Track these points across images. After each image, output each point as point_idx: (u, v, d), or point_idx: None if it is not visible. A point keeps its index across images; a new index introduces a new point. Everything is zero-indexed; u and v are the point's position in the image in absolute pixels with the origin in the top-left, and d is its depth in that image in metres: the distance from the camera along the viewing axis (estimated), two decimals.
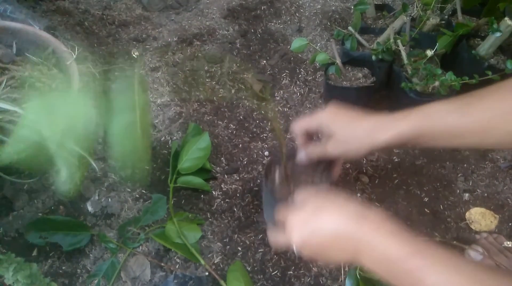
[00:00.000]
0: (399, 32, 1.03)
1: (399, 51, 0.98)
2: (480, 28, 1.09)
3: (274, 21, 1.37)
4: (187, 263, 0.83)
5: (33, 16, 1.15)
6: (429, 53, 0.96)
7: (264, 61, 1.24)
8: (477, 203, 0.93)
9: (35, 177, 0.89)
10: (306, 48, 1.03)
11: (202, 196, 0.93)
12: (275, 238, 0.55)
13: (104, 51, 1.21)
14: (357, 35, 1.04)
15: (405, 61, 0.97)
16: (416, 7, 1.11)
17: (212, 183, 0.95)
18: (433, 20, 1.06)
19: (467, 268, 0.41)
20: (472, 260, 0.82)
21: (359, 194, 0.93)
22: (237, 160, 0.99)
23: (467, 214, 0.91)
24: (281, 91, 1.15)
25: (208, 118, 1.07)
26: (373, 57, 1.00)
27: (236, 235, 0.87)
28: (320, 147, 0.63)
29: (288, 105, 1.12)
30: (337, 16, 1.37)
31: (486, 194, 0.95)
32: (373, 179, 0.96)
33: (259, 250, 0.84)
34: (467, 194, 0.95)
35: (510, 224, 0.90)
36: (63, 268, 0.81)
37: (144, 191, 0.93)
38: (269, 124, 1.07)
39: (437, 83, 0.91)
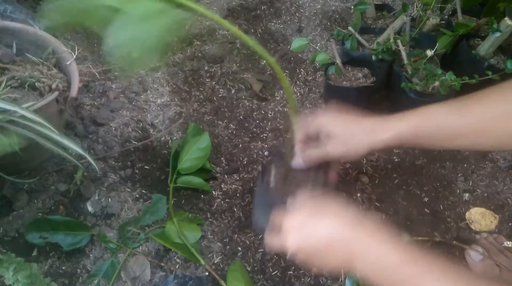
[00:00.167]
0: (399, 32, 1.03)
1: (399, 51, 0.98)
2: (480, 28, 1.09)
3: (274, 21, 1.37)
4: (187, 263, 0.83)
5: (33, 16, 1.15)
6: (429, 53, 0.96)
7: (264, 61, 1.24)
8: (477, 203, 0.93)
9: (35, 177, 0.89)
10: (306, 48, 1.03)
11: (202, 196, 0.93)
12: (271, 241, 0.55)
13: (104, 51, 1.21)
14: (357, 35, 1.04)
15: (405, 61, 0.97)
16: (416, 7, 1.11)
17: (212, 183, 0.95)
18: (433, 20, 1.06)
19: (463, 276, 0.41)
20: (472, 260, 0.83)
21: (359, 194, 0.93)
22: (237, 160, 0.99)
23: (467, 214, 0.91)
24: (281, 91, 1.15)
25: (208, 118, 1.07)
26: (373, 57, 1.00)
27: (236, 235, 0.87)
28: (319, 149, 0.63)
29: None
30: (337, 16, 1.37)
31: (486, 194, 0.95)
32: (373, 179, 0.96)
33: (259, 250, 0.84)
34: (467, 194, 0.95)
35: (510, 224, 0.90)
36: (63, 268, 0.81)
37: (144, 191, 0.93)
38: (269, 124, 1.07)
39: (437, 83, 0.91)
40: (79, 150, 0.75)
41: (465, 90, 0.93)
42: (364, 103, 1.04)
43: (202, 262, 0.81)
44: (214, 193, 0.93)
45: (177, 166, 0.91)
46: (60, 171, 0.92)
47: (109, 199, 0.90)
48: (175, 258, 0.83)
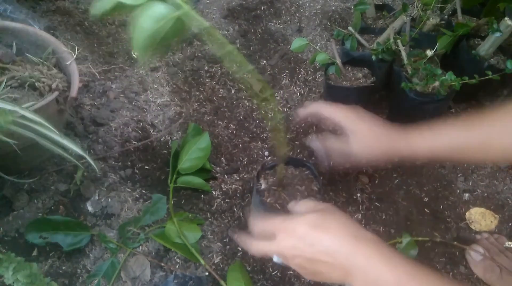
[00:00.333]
0: (399, 32, 1.03)
1: (399, 51, 0.98)
2: (480, 28, 1.09)
3: (274, 21, 1.37)
4: (187, 263, 0.83)
5: (33, 16, 1.15)
6: (429, 53, 0.96)
7: (264, 61, 1.24)
8: (477, 203, 0.93)
9: (35, 177, 0.89)
10: (306, 48, 1.03)
11: (202, 196, 0.93)
12: (258, 245, 0.54)
13: (104, 51, 1.21)
14: (357, 35, 1.04)
15: (405, 61, 0.97)
16: (416, 7, 1.11)
17: (212, 183, 0.95)
18: (433, 20, 1.06)
19: None
20: (473, 260, 0.83)
21: (359, 194, 0.93)
22: (237, 160, 0.99)
23: (467, 214, 0.91)
24: (281, 91, 1.15)
25: (208, 118, 1.07)
26: (373, 57, 1.00)
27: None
28: (341, 143, 0.65)
29: (288, 105, 1.12)
30: (337, 16, 1.37)
31: (486, 194, 0.95)
32: (373, 179, 0.96)
33: None
34: (467, 194, 0.95)
35: (510, 224, 0.90)
36: (63, 268, 0.81)
37: (144, 191, 0.92)
38: (269, 124, 1.07)
39: (437, 83, 0.91)
40: (79, 150, 0.75)
41: (465, 90, 0.93)
42: (364, 103, 1.03)
43: (202, 262, 0.81)
44: (214, 193, 0.93)
45: (177, 166, 0.91)
46: (60, 171, 0.92)
47: (109, 199, 0.90)
48: (175, 258, 0.83)
